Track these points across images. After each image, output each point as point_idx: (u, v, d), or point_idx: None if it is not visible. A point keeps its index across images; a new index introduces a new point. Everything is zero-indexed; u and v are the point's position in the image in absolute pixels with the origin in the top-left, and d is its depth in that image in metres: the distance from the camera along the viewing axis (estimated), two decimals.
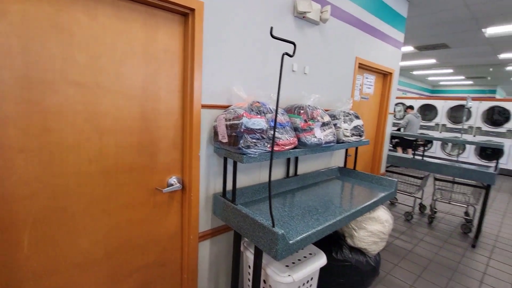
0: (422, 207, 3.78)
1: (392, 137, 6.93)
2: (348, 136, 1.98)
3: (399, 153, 6.96)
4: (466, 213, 3.48)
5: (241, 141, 1.29)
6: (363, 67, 2.72)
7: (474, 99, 6.93)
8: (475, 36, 4.72)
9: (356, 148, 2.38)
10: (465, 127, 6.97)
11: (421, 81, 12.20)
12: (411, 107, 6.59)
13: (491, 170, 2.85)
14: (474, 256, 2.67)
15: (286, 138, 1.49)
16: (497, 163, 2.91)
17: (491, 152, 6.67)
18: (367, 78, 2.90)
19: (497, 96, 11.68)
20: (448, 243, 2.92)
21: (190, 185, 1.49)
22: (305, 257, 1.57)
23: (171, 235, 1.53)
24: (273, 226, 1.16)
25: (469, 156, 6.86)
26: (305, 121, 1.60)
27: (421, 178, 3.31)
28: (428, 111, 7.83)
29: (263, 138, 1.38)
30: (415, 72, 9.72)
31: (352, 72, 2.50)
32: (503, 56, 6.34)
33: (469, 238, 3.09)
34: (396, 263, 2.46)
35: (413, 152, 3.68)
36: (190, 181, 1.48)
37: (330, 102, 2.27)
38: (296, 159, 2.06)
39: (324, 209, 1.61)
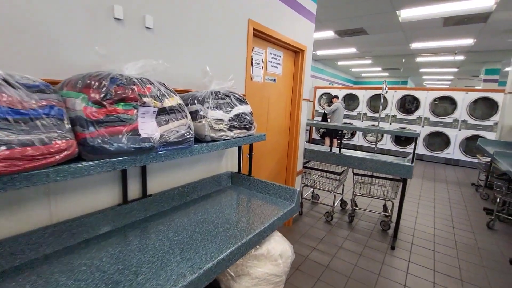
0: (343, 203, 3.46)
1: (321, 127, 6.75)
2: (222, 131, 1.26)
3: (327, 143, 6.88)
4: (385, 208, 3.25)
5: None
6: (263, 37, 2.06)
7: (389, 88, 7.24)
8: (390, 20, 4.63)
9: (250, 146, 1.71)
10: (382, 115, 7.26)
11: (346, 72, 12.77)
12: (336, 97, 6.52)
13: (407, 162, 2.56)
14: (394, 262, 2.34)
15: (32, 142, 0.67)
16: (413, 154, 2.65)
17: (404, 139, 7.09)
18: (272, 54, 2.27)
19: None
20: (368, 247, 2.56)
21: None
22: None
23: None
24: None
25: (386, 142, 7.18)
26: (100, 104, 0.79)
27: (339, 174, 2.90)
28: (351, 101, 7.99)
29: None
30: (339, 63, 9.94)
31: (244, 40, 1.79)
32: (414, 45, 6.69)
33: (389, 236, 2.81)
34: None
35: (338, 141, 3.35)
36: None
37: (200, 78, 1.50)
38: (143, 170, 1.26)
39: (154, 268, 0.86)
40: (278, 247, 1.29)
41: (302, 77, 2.62)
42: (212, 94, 1.26)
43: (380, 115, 5.61)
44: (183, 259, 0.93)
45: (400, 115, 7.02)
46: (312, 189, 3.58)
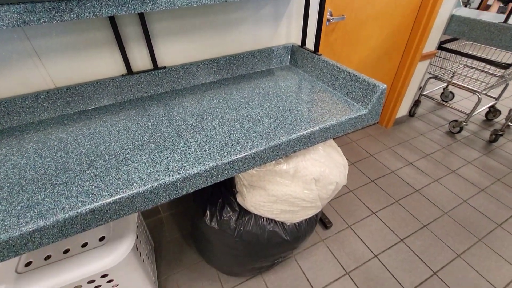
0: (492, 112, 2.27)
1: None
2: None
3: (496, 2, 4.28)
4: None
5: None
6: None
7: None
8: None
9: (321, 3, 1.00)
10: None
11: None
12: None
13: None
14: None
15: None
16: None
17: None
18: None
19: None
20: (504, 183, 1.71)
21: None
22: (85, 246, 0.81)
23: None
24: None
25: None
26: None
27: (506, 66, 1.70)
28: None
29: None
30: None
31: None
32: None
33: None
34: (375, 210, 1.54)
35: None
36: None
37: None
38: (145, 30, 0.92)
39: (127, 155, 0.68)
40: (314, 169, 0.88)
41: None
42: None
43: None
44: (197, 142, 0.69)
45: None
46: (445, 85, 2.46)
